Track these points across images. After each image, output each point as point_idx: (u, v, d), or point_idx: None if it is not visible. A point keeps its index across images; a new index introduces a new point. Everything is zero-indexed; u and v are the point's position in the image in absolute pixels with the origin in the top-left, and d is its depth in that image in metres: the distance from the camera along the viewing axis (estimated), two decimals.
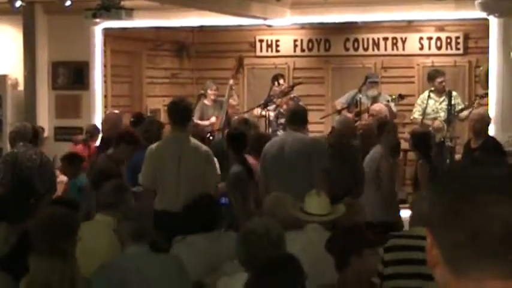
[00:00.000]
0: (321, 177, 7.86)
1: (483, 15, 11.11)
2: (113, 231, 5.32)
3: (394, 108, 12.14)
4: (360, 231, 5.02)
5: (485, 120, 9.73)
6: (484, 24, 11.66)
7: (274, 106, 12.68)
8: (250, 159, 8.93)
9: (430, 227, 1.61)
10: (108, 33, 13.24)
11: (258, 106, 12.82)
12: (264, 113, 12.52)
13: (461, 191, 1.57)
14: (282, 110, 12.55)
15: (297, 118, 8.52)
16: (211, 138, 11.76)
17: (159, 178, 7.58)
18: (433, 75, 12.60)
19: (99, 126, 11.92)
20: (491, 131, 11.17)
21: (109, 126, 10.47)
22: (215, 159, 8.08)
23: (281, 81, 13.11)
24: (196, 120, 12.50)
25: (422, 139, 9.52)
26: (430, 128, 11.99)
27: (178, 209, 7.01)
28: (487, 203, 1.53)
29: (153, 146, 7.81)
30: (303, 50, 14.63)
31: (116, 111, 11.35)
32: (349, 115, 12.35)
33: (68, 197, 8.38)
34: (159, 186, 7.58)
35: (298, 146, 8.13)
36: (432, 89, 12.36)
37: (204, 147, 7.83)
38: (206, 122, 12.44)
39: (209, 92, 12.84)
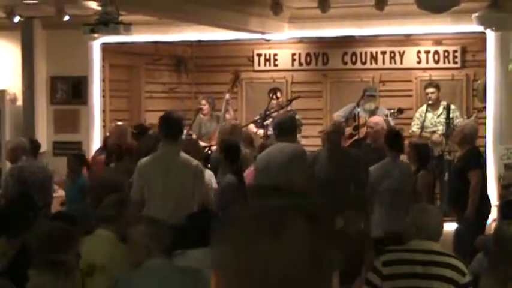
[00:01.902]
0: (301, 182, 8.04)
1: (480, 29, 11.14)
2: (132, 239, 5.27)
3: (392, 122, 12.15)
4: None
5: (464, 132, 9.65)
6: (482, 38, 11.70)
7: (270, 120, 12.70)
8: (252, 172, 9.05)
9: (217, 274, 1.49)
10: (106, 47, 13.25)
11: (253, 122, 12.86)
12: (258, 130, 12.58)
13: (236, 238, 1.45)
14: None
15: (279, 129, 8.68)
16: (209, 152, 11.76)
17: (146, 191, 7.58)
18: (425, 86, 12.72)
19: (99, 140, 11.95)
20: (489, 143, 11.19)
21: (115, 139, 10.48)
22: (211, 174, 8.14)
23: (278, 94, 13.14)
24: (194, 135, 12.53)
25: (423, 150, 9.57)
26: (429, 142, 12.02)
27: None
28: (258, 248, 1.41)
29: (143, 159, 7.84)
30: (301, 64, 14.66)
31: (121, 123, 11.36)
32: (348, 129, 12.38)
33: (66, 211, 8.39)
34: (146, 199, 7.58)
35: (280, 157, 8.27)
36: (430, 102, 12.38)
37: (195, 162, 7.81)
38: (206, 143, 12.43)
39: (202, 106, 12.90)
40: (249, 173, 9.29)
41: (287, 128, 8.64)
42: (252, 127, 12.92)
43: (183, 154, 7.81)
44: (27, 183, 9.03)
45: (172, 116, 8.05)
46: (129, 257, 5.13)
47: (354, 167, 8.95)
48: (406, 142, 11.18)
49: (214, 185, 8.80)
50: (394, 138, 9.40)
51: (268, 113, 12.72)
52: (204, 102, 12.94)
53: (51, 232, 5.09)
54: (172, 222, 6.99)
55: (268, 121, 12.65)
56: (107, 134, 12.40)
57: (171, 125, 7.76)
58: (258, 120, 12.73)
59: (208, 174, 8.91)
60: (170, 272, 5.02)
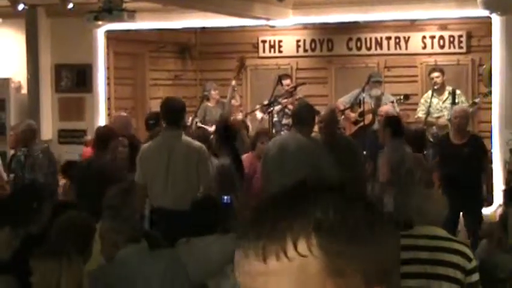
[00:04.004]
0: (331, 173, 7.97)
1: (486, 13, 11.08)
2: (102, 236, 5.29)
3: (397, 109, 12.13)
4: None
5: (468, 116, 9.78)
6: (487, 23, 11.64)
7: (279, 107, 12.65)
8: (249, 156, 9.05)
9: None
10: (110, 35, 13.23)
11: (260, 108, 12.81)
12: (264, 116, 12.55)
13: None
14: (287, 111, 12.53)
15: (298, 119, 8.57)
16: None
17: (149, 176, 7.57)
18: (429, 72, 12.68)
19: None
20: (495, 128, 11.16)
21: (118, 129, 10.42)
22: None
23: (287, 81, 13.07)
24: (199, 122, 12.51)
25: (417, 136, 9.55)
26: (434, 127, 11.99)
27: (167, 205, 7.10)
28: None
29: (145, 145, 7.84)
30: (305, 50, 14.62)
31: (125, 114, 11.31)
32: (353, 115, 12.35)
33: (67, 201, 8.39)
34: (149, 184, 7.56)
35: (298, 148, 8.17)
36: (435, 88, 12.35)
37: (197, 145, 7.75)
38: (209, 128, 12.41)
39: (212, 93, 12.87)
40: (246, 158, 9.29)
41: (304, 118, 8.55)
42: (257, 113, 12.88)
43: (185, 138, 7.78)
44: (52, 163, 9.06)
45: (173, 101, 8.03)
46: (102, 252, 5.19)
47: (350, 153, 8.97)
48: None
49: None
50: (398, 125, 9.34)
51: (276, 98, 12.65)
52: (215, 88, 12.93)
53: (71, 221, 5.17)
54: (176, 209, 7.04)
55: (277, 107, 12.59)
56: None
57: (172, 111, 7.75)
58: (265, 106, 12.67)
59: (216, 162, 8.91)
60: (141, 258, 5.06)
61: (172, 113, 7.72)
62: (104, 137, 8.74)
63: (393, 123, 9.30)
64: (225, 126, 9.17)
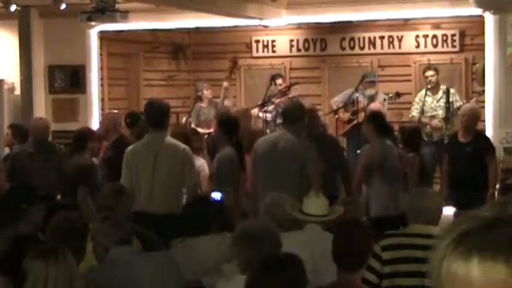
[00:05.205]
0: (315, 169, 7.96)
1: (479, 12, 11.11)
2: (93, 238, 5.29)
3: (386, 106, 12.17)
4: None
5: (477, 115, 9.76)
6: (480, 21, 11.67)
7: (273, 106, 12.66)
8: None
9: None
10: (104, 36, 13.22)
11: (256, 107, 12.82)
12: (260, 114, 12.54)
13: None
14: (280, 110, 12.55)
15: (286, 118, 8.57)
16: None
17: (134, 179, 7.54)
18: (423, 70, 12.69)
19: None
20: (489, 127, 11.18)
21: (107, 127, 10.42)
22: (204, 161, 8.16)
23: (280, 81, 13.09)
24: (193, 122, 12.51)
25: (413, 134, 9.54)
26: (428, 127, 11.99)
27: (153, 210, 7.08)
28: None
29: (130, 147, 7.79)
30: (299, 50, 14.62)
31: (115, 111, 11.30)
32: (346, 114, 12.36)
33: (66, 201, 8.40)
34: (135, 187, 7.50)
35: (289, 146, 8.16)
36: (429, 87, 12.35)
37: (182, 147, 7.72)
38: (205, 130, 12.37)
39: (205, 92, 12.88)
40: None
41: (292, 117, 8.53)
42: (254, 111, 12.88)
43: (169, 139, 7.73)
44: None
45: (156, 104, 8.00)
46: (94, 253, 5.22)
47: (332, 150, 9.00)
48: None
49: (207, 171, 8.80)
50: (382, 122, 9.28)
51: (270, 98, 12.66)
52: (207, 87, 12.93)
53: (66, 222, 5.19)
54: (161, 212, 7.07)
55: (271, 107, 12.61)
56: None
57: (154, 113, 7.73)
58: (258, 106, 12.68)
59: (201, 161, 8.88)
60: (131, 259, 5.06)
61: (157, 116, 7.69)
62: (82, 138, 8.82)
63: (376, 120, 9.22)
64: (228, 118, 9.13)
